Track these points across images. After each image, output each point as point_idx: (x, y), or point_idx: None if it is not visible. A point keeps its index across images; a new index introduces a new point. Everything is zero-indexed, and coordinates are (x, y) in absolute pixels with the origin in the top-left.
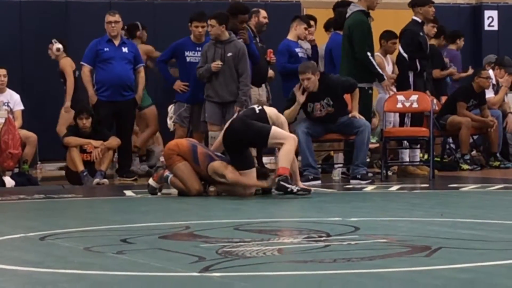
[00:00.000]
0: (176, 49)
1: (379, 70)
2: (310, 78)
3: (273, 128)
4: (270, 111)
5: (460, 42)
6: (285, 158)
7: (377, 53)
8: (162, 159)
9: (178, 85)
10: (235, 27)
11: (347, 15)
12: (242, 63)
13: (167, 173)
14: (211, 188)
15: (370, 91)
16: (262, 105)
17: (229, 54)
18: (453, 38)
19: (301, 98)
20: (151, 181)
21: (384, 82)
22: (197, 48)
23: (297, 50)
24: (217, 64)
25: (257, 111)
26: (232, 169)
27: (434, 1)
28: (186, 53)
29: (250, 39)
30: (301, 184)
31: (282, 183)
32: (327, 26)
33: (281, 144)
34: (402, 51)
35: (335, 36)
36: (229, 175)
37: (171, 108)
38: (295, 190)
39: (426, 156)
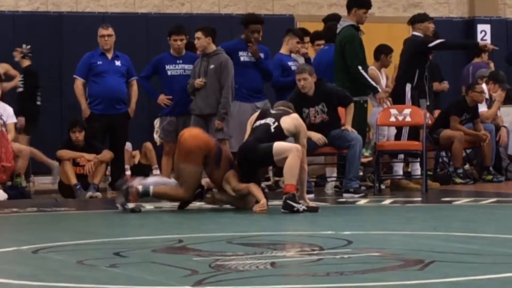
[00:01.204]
0: (156, 64)
1: (372, 82)
2: (307, 78)
3: (275, 145)
4: (288, 125)
5: (485, 56)
6: (289, 174)
7: (372, 67)
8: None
9: (162, 99)
10: (247, 37)
11: (338, 30)
12: (224, 76)
13: (139, 186)
14: (208, 195)
15: (365, 105)
16: (280, 117)
17: (212, 66)
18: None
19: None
20: (130, 205)
21: (379, 95)
22: (178, 61)
23: (289, 63)
24: (200, 81)
25: (272, 130)
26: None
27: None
28: (167, 67)
29: (266, 54)
30: (308, 200)
31: (288, 202)
32: (313, 39)
33: (286, 158)
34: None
35: (329, 49)
36: (235, 184)
37: (156, 123)
38: (301, 209)
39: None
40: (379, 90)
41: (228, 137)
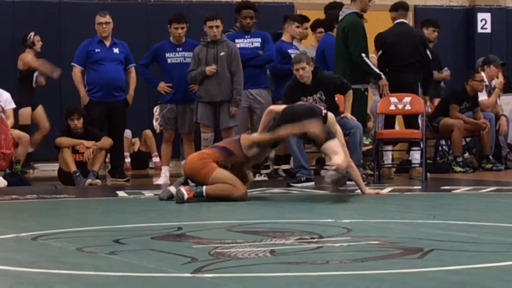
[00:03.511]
0: (156, 52)
1: (376, 69)
2: (305, 67)
3: (336, 139)
4: (331, 117)
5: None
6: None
7: (372, 55)
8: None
9: (162, 86)
10: (241, 24)
11: (340, 17)
12: (235, 63)
13: (192, 187)
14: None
15: (366, 93)
16: (326, 109)
17: (222, 53)
18: None
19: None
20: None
21: (382, 81)
22: (177, 49)
23: (290, 51)
24: (212, 68)
25: (323, 114)
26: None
27: (428, 3)
28: (167, 55)
29: (266, 39)
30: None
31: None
32: (314, 27)
33: (330, 158)
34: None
35: (327, 37)
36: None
37: (156, 110)
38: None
39: None
40: (383, 77)
41: (237, 124)
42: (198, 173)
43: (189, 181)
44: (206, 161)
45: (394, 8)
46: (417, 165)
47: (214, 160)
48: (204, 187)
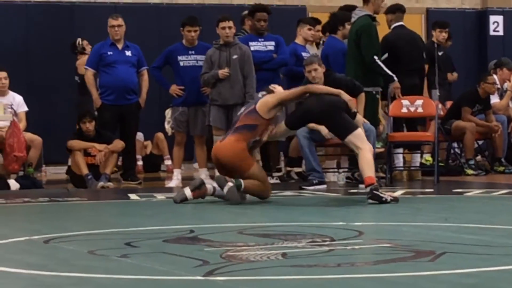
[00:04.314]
0: (169, 55)
1: (389, 72)
2: (317, 69)
3: (360, 129)
4: (359, 119)
5: None
6: (366, 167)
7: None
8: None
9: (174, 89)
10: (255, 26)
11: (353, 19)
12: (248, 66)
13: (229, 182)
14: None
15: (377, 96)
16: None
17: (235, 56)
18: None
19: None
20: (230, 184)
21: (395, 84)
22: (190, 52)
23: (303, 54)
24: (224, 71)
25: (354, 111)
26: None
27: (440, 6)
28: (179, 58)
29: (279, 42)
30: (389, 192)
31: (375, 192)
32: (324, 30)
33: (357, 147)
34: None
35: (330, 41)
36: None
37: (168, 113)
38: (389, 199)
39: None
40: (395, 79)
41: None
42: (237, 165)
43: (205, 182)
44: (246, 154)
45: (392, 10)
46: (417, 167)
47: (247, 142)
48: (242, 181)
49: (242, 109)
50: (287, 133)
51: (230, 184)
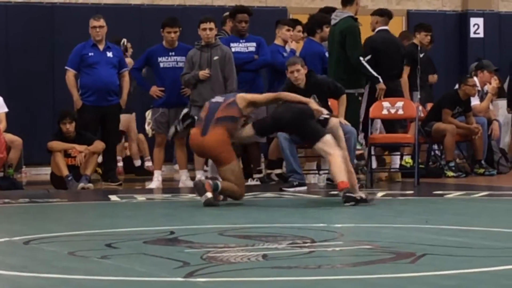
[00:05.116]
0: (149, 56)
1: (374, 73)
2: (299, 69)
3: (328, 135)
4: (335, 122)
5: None
6: (338, 172)
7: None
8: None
9: (154, 90)
10: (236, 28)
11: (334, 21)
12: (229, 67)
13: (209, 180)
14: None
15: (359, 98)
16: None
17: (216, 57)
18: None
19: None
20: (208, 194)
21: (380, 85)
22: (170, 53)
23: (284, 54)
24: (205, 72)
25: (322, 118)
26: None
27: (421, 8)
28: (159, 59)
29: (260, 44)
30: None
31: (348, 194)
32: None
33: (326, 153)
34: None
35: (308, 43)
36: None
37: (148, 114)
38: (364, 196)
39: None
40: (381, 80)
41: None
42: (217, 154)
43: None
44: (230, 147)
45: (380, 13)
46: (397, 169)
47: (230, 133)
48: (219, 183)
49: (219, 98)
50: (254, 139)
51: (208, 194)
